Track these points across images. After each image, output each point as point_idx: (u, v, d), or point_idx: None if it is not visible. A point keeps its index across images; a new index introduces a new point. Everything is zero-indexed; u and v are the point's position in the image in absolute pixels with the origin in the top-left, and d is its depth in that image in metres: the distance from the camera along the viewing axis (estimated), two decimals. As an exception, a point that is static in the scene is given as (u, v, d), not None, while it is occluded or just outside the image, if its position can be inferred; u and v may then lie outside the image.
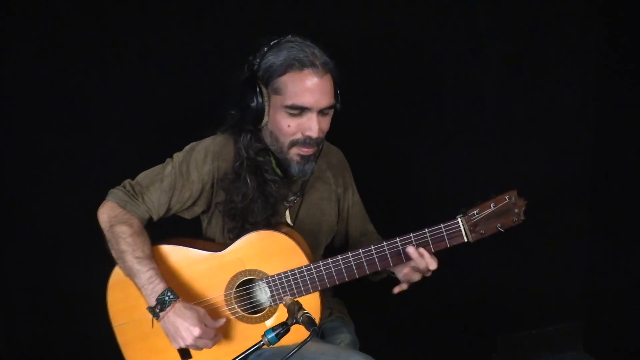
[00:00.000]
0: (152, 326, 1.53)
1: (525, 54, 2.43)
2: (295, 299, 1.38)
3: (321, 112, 1.51)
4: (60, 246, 2.12)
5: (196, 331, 1.44)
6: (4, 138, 2.04)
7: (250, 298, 1.60)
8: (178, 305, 1.46)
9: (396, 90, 2.33)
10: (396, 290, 1.59)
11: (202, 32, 2.10)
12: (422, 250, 1.49)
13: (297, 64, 1.46)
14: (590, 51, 2.48)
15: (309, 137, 1.51)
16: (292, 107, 1.48)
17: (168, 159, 1.62)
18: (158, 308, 1.46)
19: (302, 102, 1.47)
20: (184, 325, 1.44)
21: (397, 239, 1.50)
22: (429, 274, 1.55)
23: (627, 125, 2.39)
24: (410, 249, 1.48)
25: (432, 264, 1.50)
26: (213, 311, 1.56)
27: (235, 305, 1.57)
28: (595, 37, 2.46)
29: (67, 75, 2.03)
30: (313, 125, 1.50)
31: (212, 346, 1.51)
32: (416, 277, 1.56)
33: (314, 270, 1.53)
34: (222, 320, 1.53)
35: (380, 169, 2.34)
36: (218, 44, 2.10)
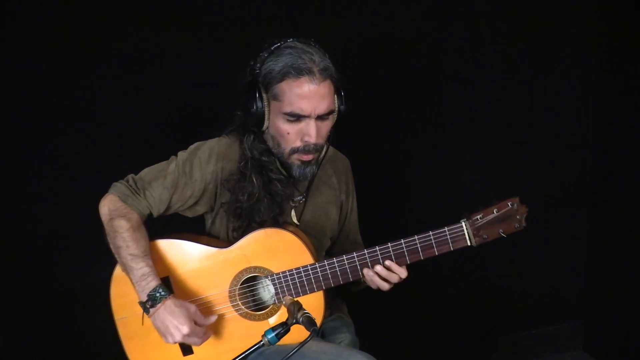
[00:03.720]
0: (143, 323, 1.54)
1: (525, 54, 2.44)
2: (295, 299, 1.39)
3: (320, 118, 1.52)
4: (60, 246, 2.12)
5: (184, 329, 1.45)
6: (4, 138, 2.04)
7: (254, 295, 1.61)
8: (169, 302, 1.46)
9: (396, 92, 2.33)
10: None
11: (207, 31, 2.11)
12: (387, 263, 1.52)
13: (294, 72, 1.47)
14: (590, 51, 2.48)
15: (308, 144, 1.53)
16: (290, 114, 1.50)
17: (172, 157, 1.62)
18: (149, 304, 1.46)
19: (299, 109, 1.49)
20: (173, 323, 1.45)
21: (402, 241, 1.52)
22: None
23: (627, 126, 2.39)
24: (378, 268, 1.52)
25: (403, 273, 1.53)
26: (216, 308, 1.57)
27: (239, 302, 1.57)
28: (595, 37, 2.46)
29: (69, 74, 2.03)
30: (311, 132, 1.51)
31: (201, 344, 1.52)
32: (385, 285, 1.57)
33: (319, 270, 1.54)
34: (213, 318, 1.54)
35: (381, 172, 2.34)
36: (224, 44, 2.10)
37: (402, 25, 2.29)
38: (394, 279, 1.54)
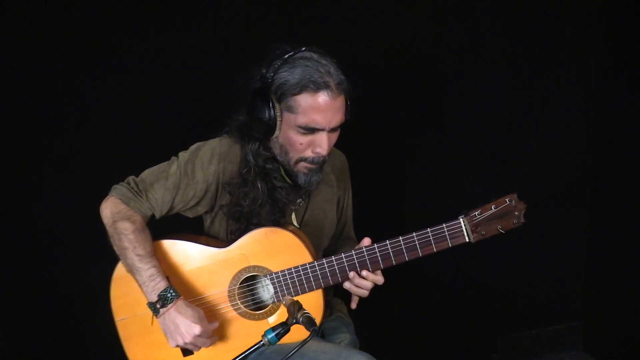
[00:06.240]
0: (152, 323, 1.54)
1: (525, 54, 2.44)
2: (295, 299, 1.39)
3: (331, 130, 1.53)
4: (61, 246, 2.12)
5: (197, 329, 1.45)
6: (4, 138, 2.04)
7: (254, 294, 1.61)
8: (180, 303, 1.47)
9: (396, 91, 2.33)
10: (353, 305, 1.62)
11: (208, 31, 2.11)
12: (364, 273, 1.52)
13: (312, 86, 1.46)
14: (590, 51, 2.48)
15: (318, 155, 1.54)
16: (305, 127, 1.50)
17: (173, 157, 1.62)
18: (159, 304, 1.46)
19: (314, 123, 1.49)
20: (186, 323, 1.45)
21: (400, 238, 1.51)
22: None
23: (627, 125, 2.39)
24: (352, 274, 1.53)
25: (379, 280, 1.54)
26: (215, 308, 1.57)
27: (239, 302, 1.57)
28: (595, 37, 2.46)
29: (69, 74, 2.03)
30: (323, 144, 1.52)
31: (210, 345, 1.52)
32: (361, 292, 1.57)
33: (317, 268, 1.54)
34: (216, 324, 1.54)
35: (381, 170, 2.34)
36: (223, 44, 2.11)
37: (402, 24, 2.29)
38: (368, 286, 1.54)
